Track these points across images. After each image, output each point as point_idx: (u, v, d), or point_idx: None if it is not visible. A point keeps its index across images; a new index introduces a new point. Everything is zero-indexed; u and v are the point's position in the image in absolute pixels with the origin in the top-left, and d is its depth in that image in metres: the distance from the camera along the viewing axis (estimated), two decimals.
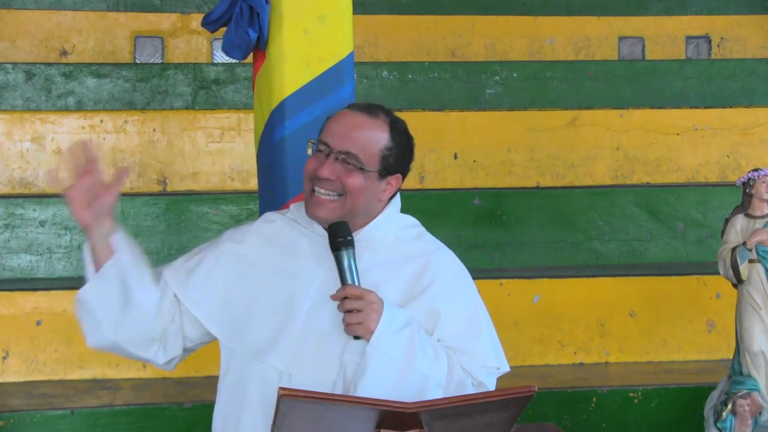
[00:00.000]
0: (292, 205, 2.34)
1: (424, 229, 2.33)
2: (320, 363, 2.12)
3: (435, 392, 2.09)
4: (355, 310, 2.05)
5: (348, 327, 2.06)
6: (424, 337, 2.13)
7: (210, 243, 2.32)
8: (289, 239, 2.24)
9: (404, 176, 2.27)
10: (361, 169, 2.15)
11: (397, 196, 2.29)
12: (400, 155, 2.22)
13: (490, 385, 2.24)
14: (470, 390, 2.17)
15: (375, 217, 2.23)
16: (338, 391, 2.09)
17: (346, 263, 2.10)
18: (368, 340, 2.05)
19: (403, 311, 2.13)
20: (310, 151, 2.20)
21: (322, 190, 2.15)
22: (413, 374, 2.08)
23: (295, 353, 2.13)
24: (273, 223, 2.30)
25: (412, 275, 2.20)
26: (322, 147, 2.17)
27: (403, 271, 2.21)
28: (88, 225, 2.09)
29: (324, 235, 2.18)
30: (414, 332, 2.11)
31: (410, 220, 2.31)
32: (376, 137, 2.17)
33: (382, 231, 2.23)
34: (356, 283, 2.09)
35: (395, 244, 2.24)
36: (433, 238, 2.32)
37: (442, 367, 2.12)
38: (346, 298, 2.06)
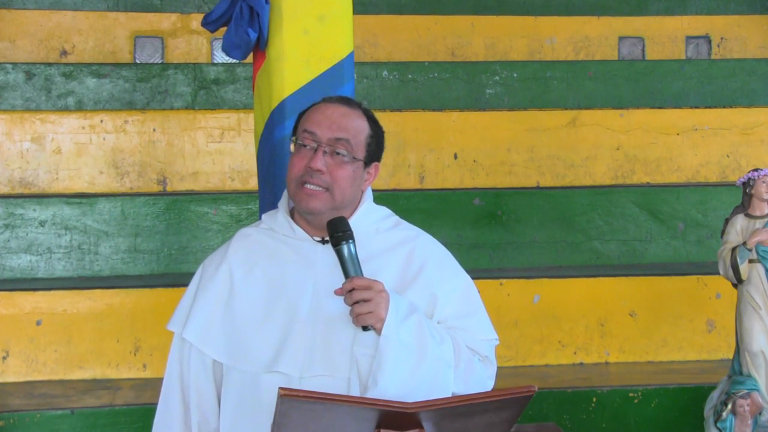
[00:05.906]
0: (264, 216, 2.33)
1: (398, 217, 2.34)
2: (331, 361, 2.11)
3: (447, 374, 2.12)
4: (363, 300, 2.04)
5: (358, 318, 2.05)
6: (429, 322, 2.16)
7: (195, 278, 2.28)
8: (271, 249, 2.23)
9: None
10: (353, 158, 2.16)
11: (369, 187, 2.30)
12: (378, 143, 2.24)
13: (492, 357, 2.28)
14: (478, 366, 2.21)
15: (356, 208, 2.24)
16: (354, 387, 2.09)
17: (348, 255, 2.09)
18: (378, 330, 2.05)
19: (405, 298, 2.14)
20: (292, 147, 2.19)
21: (313, 185, 2.14)
22: (427, 359, 2.09)
23: (306, 356, 2.12)
24: (249, 237, 2.28)
25: (401, 263, 2.22)
26: (308, 140, 2.15)
27: (392, 260, 2.22)
28: None
29: (305, 238, 2.20)
30: (421, 317, 2.12)
31: (385, 210, 2.33)
32: (361, 126, 2.20)
33: (364, 223, 2.24)
34: (360, 274, 2.08)
35: (377, 235, 2.25)
36: (409, 224, 2.34)
37: (449, 349, 2.14)
38: (352, 290, 2.05)
